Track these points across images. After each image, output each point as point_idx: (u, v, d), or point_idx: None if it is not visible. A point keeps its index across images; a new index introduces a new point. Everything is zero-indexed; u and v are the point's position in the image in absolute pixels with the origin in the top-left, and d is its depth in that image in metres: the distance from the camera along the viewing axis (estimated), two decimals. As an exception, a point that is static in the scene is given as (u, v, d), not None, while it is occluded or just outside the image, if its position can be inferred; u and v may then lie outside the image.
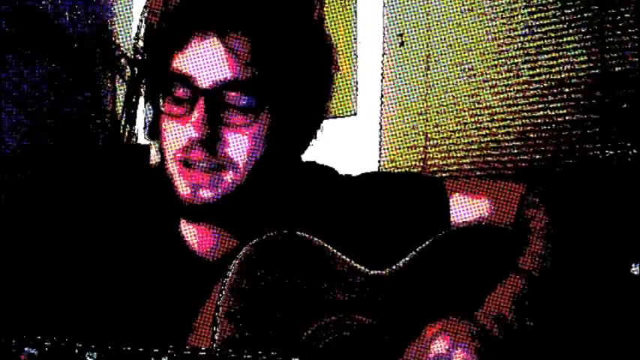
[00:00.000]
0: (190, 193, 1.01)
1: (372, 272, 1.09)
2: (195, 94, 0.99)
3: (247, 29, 0.99)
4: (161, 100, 1.03)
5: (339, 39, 2.63)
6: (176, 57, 1.01)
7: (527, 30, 2.15)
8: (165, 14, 1.03)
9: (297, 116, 1.06)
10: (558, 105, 2.07)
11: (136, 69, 1.09)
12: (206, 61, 0.99)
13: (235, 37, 0.99)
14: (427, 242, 1.12)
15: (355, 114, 2.65)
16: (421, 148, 2.48)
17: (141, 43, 1.07)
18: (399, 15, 2.54)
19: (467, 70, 2.33)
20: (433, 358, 0.99)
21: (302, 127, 1.08)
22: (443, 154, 2.42)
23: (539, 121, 2.12)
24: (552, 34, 2.08)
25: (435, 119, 2.44)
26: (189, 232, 1.12)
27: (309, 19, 1.06)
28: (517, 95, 2.18)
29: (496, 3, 2.25)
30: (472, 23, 2.31)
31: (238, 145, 1.01)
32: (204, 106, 0.98)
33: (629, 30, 1.92)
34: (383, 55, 2.60)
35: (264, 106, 1.01)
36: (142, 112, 1.10)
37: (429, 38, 2.45)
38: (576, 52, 2.03)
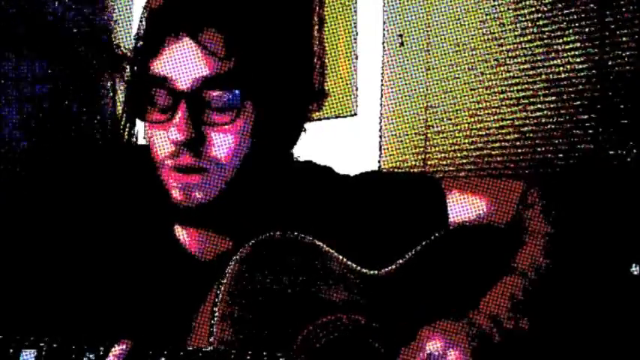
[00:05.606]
0: (183, 195, 1.02)
1: (369, 272, 1.09)
2: (176, 97, 0.99)
3: (219, 24, 0.99)
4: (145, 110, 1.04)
5: (339, 39, 2.63)
6: (153, 62, 1.01)
7: (527, 30, 2.15)
8: (141, 21, 1.04)
9: (280, 107, 1.06)
10: (558, 105, 2.07)
11: (135, 68, 1.09)
12: (182, 61, 0.99)
13: (208, 34, 0.99)
14: (425, 242, 1.12)
15: (355, 114, 2.65)
16: (421, 148, 2.48)
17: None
18: (399, 15, 2.54)
19: (467, 70, 2.32)
20: (427, 357, 0.99)
21: (286, 119, 1.08)
22: (443, 154, 2.41)
23: (539, 121, 2.12)
24: (552, 34, 2.08)
25: (435, 119, 2.43)
26: (184, 233, 1.12)
27: (282, 3, 1.06)
28: (517, 95, 2.18)
29: (496, 3, 2.25)
30: (472, 23, 2.31)
31: (223, 144, 1.01)
32: (186, 107, 0.99)
33: (629, 30, 1.91)
34: (383, 55, 2.59)
35: (245, 101, 1.01)
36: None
37: (429, 38, 2.45)
38: (576, 52, 2.02)
